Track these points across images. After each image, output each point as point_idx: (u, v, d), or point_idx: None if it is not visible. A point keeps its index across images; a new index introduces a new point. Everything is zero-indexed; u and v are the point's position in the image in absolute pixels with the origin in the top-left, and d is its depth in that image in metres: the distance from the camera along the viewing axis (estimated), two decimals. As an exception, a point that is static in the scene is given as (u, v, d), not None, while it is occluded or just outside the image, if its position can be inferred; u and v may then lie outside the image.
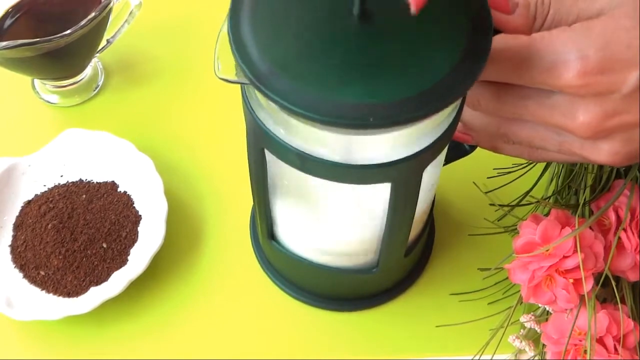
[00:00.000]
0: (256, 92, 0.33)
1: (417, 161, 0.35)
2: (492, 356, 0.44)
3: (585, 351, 0.41)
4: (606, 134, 0.34)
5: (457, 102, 0.35)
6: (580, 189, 0.45)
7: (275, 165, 0.38)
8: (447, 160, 0.44)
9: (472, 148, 0.44)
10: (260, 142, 0.36)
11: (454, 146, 0.44)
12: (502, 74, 0.34)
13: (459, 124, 0.38)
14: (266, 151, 0.37)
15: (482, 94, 0.36)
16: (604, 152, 0.35)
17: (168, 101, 0.59)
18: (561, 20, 0.35)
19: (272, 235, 0.46)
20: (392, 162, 0.34)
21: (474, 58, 0.31)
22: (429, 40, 0.32)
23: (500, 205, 0.49)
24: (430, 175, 0.40)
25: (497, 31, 0.35)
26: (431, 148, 0.34)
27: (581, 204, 0.43)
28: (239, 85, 0.34)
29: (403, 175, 0.35)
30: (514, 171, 0.49)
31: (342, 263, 0.44)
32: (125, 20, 0.58)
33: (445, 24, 0.32)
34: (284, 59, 0.31)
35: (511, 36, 0.34)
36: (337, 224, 0.41)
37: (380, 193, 0.38)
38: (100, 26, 0.54)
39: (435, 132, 0.35)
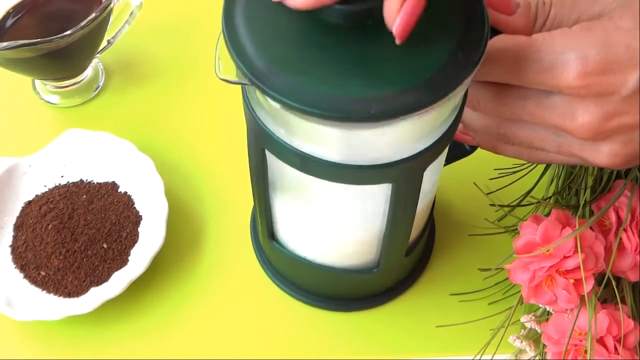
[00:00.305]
0: (257, 91, 0.33)
1: (418, 162, 0.35)
2: (493, 356, 0.44)
3: (585, 351, 0.41)
4: (606, 136, 0.34)
5: (458, 102, 0.35)
6: (581, 190, 0.45)
7: (275, 166, 0.38)
8: (448, 161, 0.44)
9: (473, 148, 0.44)
10: (261, 143, 0.36)
11: (454, 146, 0.44)
12: (501, 74, 0.34)
13: (460, 124, 0.38)
14: (267, 151, 0.37)
15: (481, 95, 0.36)
16: (604, 154, 0.35)
17: (169, 101, 0.59)
18: (562, 21, 0.35)
19: (272, 235, 0.46)
20: (392, 162, 0.34)
21: (472, 46, 0.31)
22: (425, 31, 0.31)
23: (500, 205, 0.49)
24: (431, 176, 0.40)
25: (498, 31, 0.35)
26: (432, 148, 0.34)
27: (582, 205, 0.43)
28: (239, 86, 0.34)
29: (404, 175, 0.35)
30: (515, 172, 0.49)
31: (342, 263, 0.44)
32: (126, 21, 0.58)
33: (441, 15, 0.32)
34: (281, 56, 0.31)
35: (511, 36, 0.34)
36: (337, 224, 0.41)
37: (381, 193, 0.38)
38: (101, 27, 0.54)
39: (435, 133, 0.35)
